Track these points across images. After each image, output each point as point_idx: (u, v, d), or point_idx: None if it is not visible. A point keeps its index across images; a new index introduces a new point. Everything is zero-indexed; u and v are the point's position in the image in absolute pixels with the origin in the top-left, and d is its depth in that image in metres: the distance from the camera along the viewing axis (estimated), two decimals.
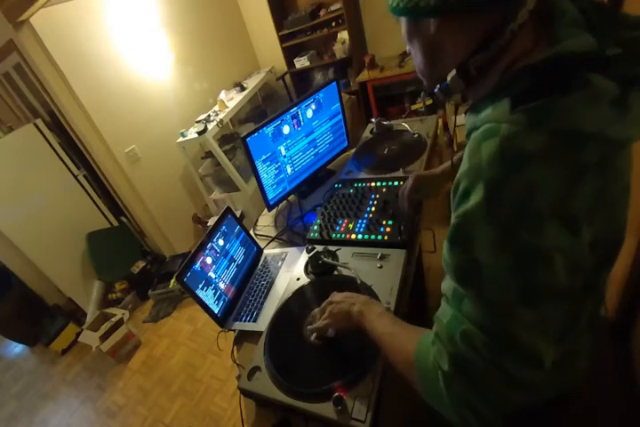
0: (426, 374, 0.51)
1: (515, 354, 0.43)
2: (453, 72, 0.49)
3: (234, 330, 1.04)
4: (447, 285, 0.51)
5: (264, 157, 1.26)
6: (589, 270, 0.49)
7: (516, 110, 0.42)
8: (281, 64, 3.63)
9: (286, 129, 1.31)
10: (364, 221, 1.08)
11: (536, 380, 0.44)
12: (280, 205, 1.45)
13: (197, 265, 1.02)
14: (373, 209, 1.11)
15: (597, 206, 0.43)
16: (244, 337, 1.02)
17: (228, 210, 1.18)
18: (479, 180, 0.42)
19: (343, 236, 1.07)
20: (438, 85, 0.53)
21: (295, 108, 1.31)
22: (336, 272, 0.97)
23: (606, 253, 0.52)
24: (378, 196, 1.15)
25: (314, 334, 0.79)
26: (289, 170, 1.38)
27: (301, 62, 3.46)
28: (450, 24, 0.46)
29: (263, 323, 0.97)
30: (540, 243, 0.40)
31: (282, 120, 1.28)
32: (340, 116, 1.50)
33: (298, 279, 1.00)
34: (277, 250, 1.24)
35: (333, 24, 3.17)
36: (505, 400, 0.45)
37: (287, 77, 3.59)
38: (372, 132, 1.54)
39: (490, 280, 0.43)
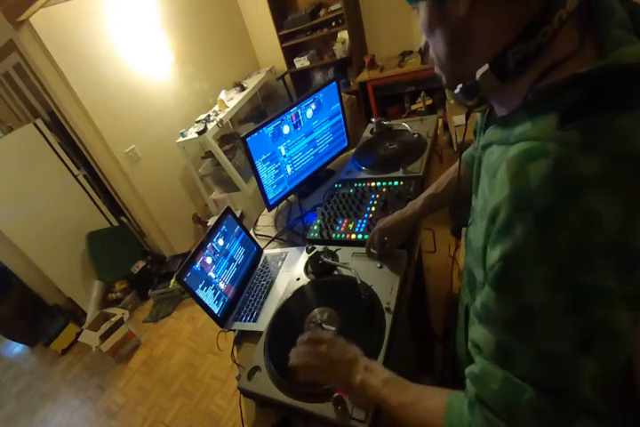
0: None
1: (584, 414, 0.38)
2: (485, 67, 0.42)
3: (234, 330, 1.04)
4: (480, 335, 0.44)
5: (264, 156, 1.26)
6: None
7: (566, 127, 0.36)
8: (281, 64, 3.63)
9: (286, 129, 1.31)
10: (364, 221, 1.08)
11: None
12: (280, 205, 1.45)
13: (197, 265, 1.02)
14: (373, 209, 1.11)
15: None
16: (244, 337, 1.02)
17: (228, 210, 1.18)
18: (527, 209, 0.36)
19: (343, 236, 1.07)
20: (461, 84, 0.47)
21: (295, 108, 1.31)
22: (336, 272, 0.97)
23: None
24: (378, 196, 1.15)
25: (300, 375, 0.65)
26: (289, 170, 1.38)
27: (301, 62, 3.46)
28: (486, 4, 0.40)
29: (263, 323, 0.97)
30: (597, 281, 0.35)
31: (282, 120, 1.28)
32: (340, 116, 1.50)
33: (298, 279, 1.00)
34: (277, 250, 1.24)
35: (333, 24, 3.17)
36: None
37: (287, 77, 3.59)
38: (372, 132, 1.54)
39: (546, 327, 0.38)
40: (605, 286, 0.35)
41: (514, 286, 0.38)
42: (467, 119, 0.55)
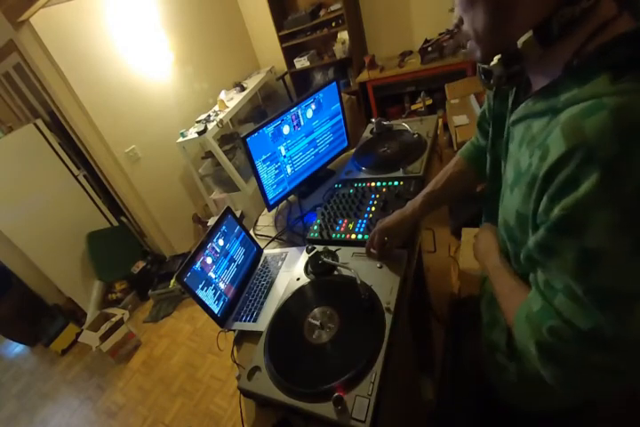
0: (519, 342, 0.52)
1: (612, 350, 0.41)
2: (528, 33, 0.43)
3: (234, 330, 1.04)
4: (534, 275, 0.49)
5: (264, 157, 1.26)
6: None
7: (620, 80, 0.37)
8: (281, 64, 3.63)
9: (286, 129, 1.31)
10: (364, 221, 1.08)
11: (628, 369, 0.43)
12: (280, 205, 1.45)
13: (197, 265, 1.02)
14: (373, 209, 1.11)
15: None
16: (244, 337, 1.02)
17: (228, 210, 1.18)
18: (591, 161, 0.36)
19: (343, 236, 1.06)
20: (499, 55, 0.47)
21: (295, 108, 1.31)
22: (336, 272, 0.97)
23: None
24: (378, 196, 1.15)
25: None
26: (289, 170, 1.38)
27: (301, 62, 3.46)
28: None
29: (263, 323, 0.97)
30: None
31: (282, 120, 1.28)
32: (340, 117, 1.50)
33: (298, 279, 1.00)
34: (277, 250, 1.24)
35: (333, 24, 3.17)
36: (592, 382, 0.45)
37: (287, 77, 3.59)
38: (372, 132, 1.54)
39: (609, 269, 0.39)
40: None
41: (578, 230, 0.39)
42: (495, 97, 0.60)
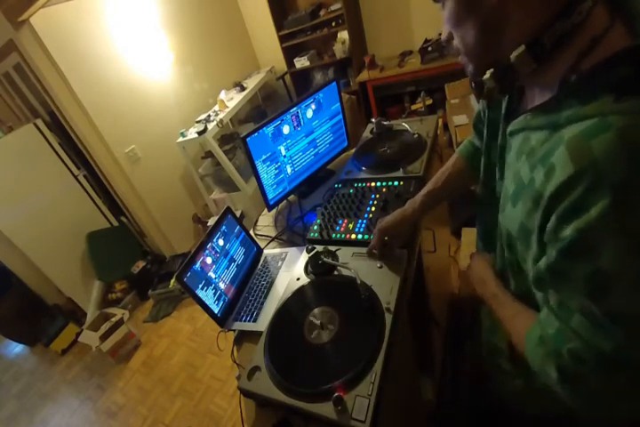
0: (535, 365, 0.50)
1: (637, 370, 0.41)
2: (520, 48, 0.43)
3: (234, 330, 1.04)
4: (544, 295, 0.48)
5: (264, 156, 1.26)
6: None
7: (624, 99, 0.37)
8: (281, 64, 3.63)
9: (286, 129, 1.30)
10: (364, 221, 1.08)
11: None
12: (280, 205, 1.45)
13: (197, 265, 1.02)
14: (373, 209, 1.11)
15: None
16: (244, 337, 1.02)
17: (228, 210, 1.18)
18: (601, 184, 0.36)
19: (343, 236, 1.06)
20: (491, 69, 0.47)
21: (295, 108, 1.31)
22: (336, 272, 0.97)
23: None
24: (378, 196, 1.15)
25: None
26: (289, 170, 1.37)
27: (301, 62, 3.46)
28: None
29: (263, 323, 0.97)
30: None
31: (282, 120, 1.28)
32: (340, 116, 1.50)
33: (298, 279, 1.00)
34: (277, 250, 1.24)
35: (333, 24, 3.17)
36: (615, 403, 0.45)
37: (287, 77, 3.59)
38: (372, 132, 1.54)
39: (626, 291, 0.38)
40: None
41: (589, 253, 0.38)
42: (488, 106, 0.60)
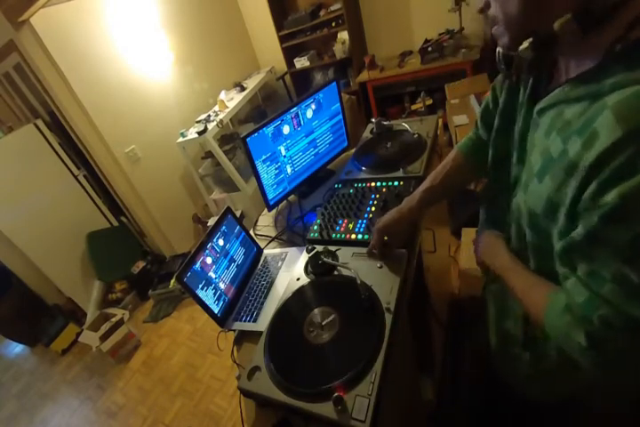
0: (557, 333, 0.51)
1: None
2: (566, 16, 0.41)
3: (234, 330, 1.04)
4: (567, 270, 0.49)
5: (264, 157, 1.26)
6: None
7: None
8: (281, 64, 3.63)
9: (286, 129, 1.31)
10: (364, 221, 1.08)
11: None
12: (280, 205, 1.45)
13: (197, 265, 1.02)
14: (373, 209, 1.11)
15: None
16: (244, 337, 1.02)
17: (228, 210, 1.18)
18: None
19: (343, 236, 1.06)
20: (530, 39, 0.45)
21: (295, 109, 1.31)
22: (336, 272, 0.97)
23: None
24: (378, 196, 1.15)
25: None
26: (289, 170, 1.38)
27: (301, 62, 3.46)
28: None
29: (263, 323, 0.97)
30: None
31: (282, 120, 1.28)
32: (340, 117, 1.50)
33: (298, 279, 1.00)
34: (277, 250, 1.24)
35: (333, 24, 3.17)
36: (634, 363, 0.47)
37: (287, 77, 3.59)
38: (372, 132, 1.54)
39: None
40: None
41: (635, 216, 0.38)
42: (516, 78, 0.57)
